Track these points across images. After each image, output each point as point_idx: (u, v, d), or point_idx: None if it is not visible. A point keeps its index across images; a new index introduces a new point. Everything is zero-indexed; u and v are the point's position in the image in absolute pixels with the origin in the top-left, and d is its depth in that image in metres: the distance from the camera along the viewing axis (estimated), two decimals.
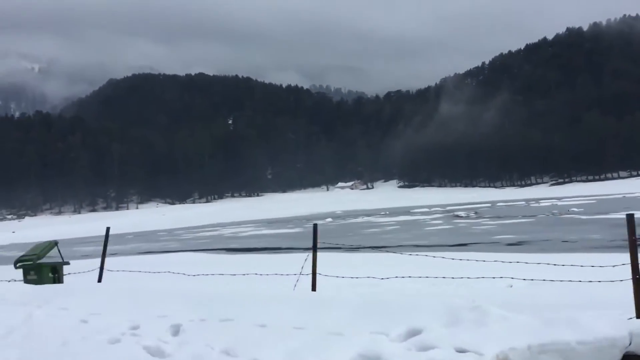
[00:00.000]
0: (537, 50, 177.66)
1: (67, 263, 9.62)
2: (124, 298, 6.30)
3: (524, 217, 41.80)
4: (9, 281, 8.52)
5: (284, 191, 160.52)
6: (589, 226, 29.32)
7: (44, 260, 9.39)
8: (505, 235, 27.26)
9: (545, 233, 26.53)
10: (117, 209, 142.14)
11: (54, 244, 9.71)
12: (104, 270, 9.40)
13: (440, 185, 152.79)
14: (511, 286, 12.42)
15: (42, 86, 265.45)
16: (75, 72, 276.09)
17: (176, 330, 5.04)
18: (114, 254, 28.06)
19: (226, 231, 50.34)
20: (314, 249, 7.59)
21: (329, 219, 57.99)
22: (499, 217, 42.98)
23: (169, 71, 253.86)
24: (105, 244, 9.49)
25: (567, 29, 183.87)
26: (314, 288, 7.51)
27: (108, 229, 9.65)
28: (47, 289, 7.32)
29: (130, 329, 5.13)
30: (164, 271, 10.24)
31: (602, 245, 18.71)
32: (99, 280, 9.22)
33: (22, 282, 8.93)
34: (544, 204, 62.52)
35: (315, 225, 7.80)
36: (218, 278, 9.53)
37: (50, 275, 9.17)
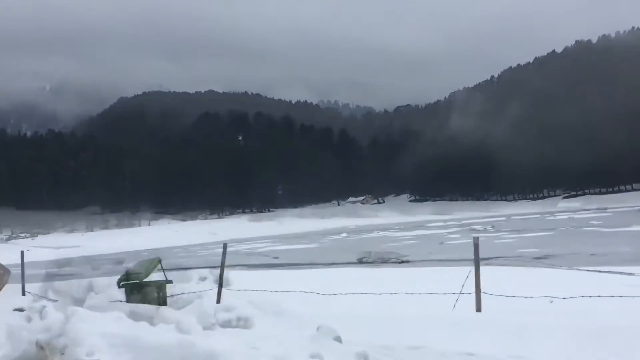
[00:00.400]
0: (547, 63, 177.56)
1: (170, 282, 8.87)
2: (268, 321, 5.97)
3: (543, 230, 41.41)
4: (114, 301, 8.04)
5: (294, 207, 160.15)
6: (612, 239, 28.99)
7: (147, 278, 8.74)
8: (528, 249, 26.95)
9: (570, 246, 26.19)
10: (129, 226, 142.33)
11: (158, 261, 9.05)
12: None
13: (451, 199, 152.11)
14: (551, 301, 12.09)
15: (53, 105, 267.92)
16: (86, 91, 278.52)
17: (365, 359, 4.72)
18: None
19: (243, 247, 50.14)
20: (476, 264, 7.02)
21: (344, 234, 57.73)
22: (517, 231, 42.58)
23: (179, 89, 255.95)
24: (223, 262, 8.95)
25: (576, 41, 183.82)
26: (478, 309, 6.85)
27: (225, 245, 9.09)
28: (177, 312, 7.00)
29: (310, 357, 4.80)
30: (293, 290, 9.26)
31: (636, 259, 18.36)
32: (218, 302, 8.60)
33: (125, 302, 8.34)
34: (560, 217, 62.04)
35: (476, 239, 7.25)
36: (360, 297, 8.62)
37: (155, 295, 8.44)
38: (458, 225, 57.63)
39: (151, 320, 6.65)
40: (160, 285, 8.66)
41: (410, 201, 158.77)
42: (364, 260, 41.36)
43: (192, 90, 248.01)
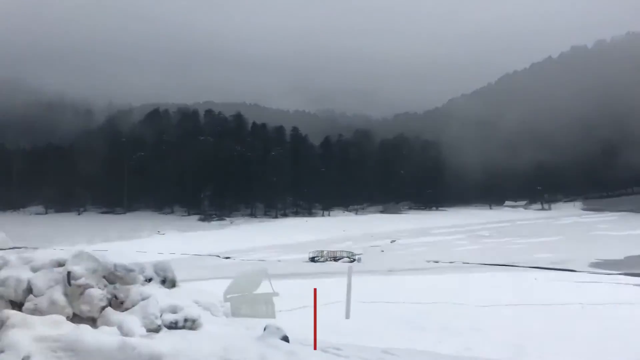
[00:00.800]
0: (543, 69, 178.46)
1: (277, 294, 8.49)
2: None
3: (551, 235, 41.51)
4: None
5: (296, 215, 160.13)
6: (625, 243, 29.09)
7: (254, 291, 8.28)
8: (542, 254, 27.08)
9: (585, 251, 26.30)
10: (131, 238, 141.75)
11: (264, 272, 8.81)
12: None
13: (451, 206, 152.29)
14: (583, 308, 12.24)
15: (52, 119, 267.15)
16: (85, 104, 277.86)
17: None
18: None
19: (256, 256, 49.89)
20: None
21: (349, 242, 57.78)
22: (524, 236, 42.71)
23: (177, 100, 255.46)
24: (350, 274, 8.65)
25: (572, 47, 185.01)
26: None
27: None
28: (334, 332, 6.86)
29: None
30: (432, 302, 8.92)
31: None
32: (347, 317, 8.33)
33: (230, 316, 8.07)
34: (565, 221, 62.17)
35: None
36: (523, 309, 8.08)
37: (264, 307, 8.18)
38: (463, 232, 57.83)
39: (93, 323, 6.64)
40: (268, 298, 8.36)
41: (411, 208, 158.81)
42: (317, 259, 41.96)
43: (190, 102, 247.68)
